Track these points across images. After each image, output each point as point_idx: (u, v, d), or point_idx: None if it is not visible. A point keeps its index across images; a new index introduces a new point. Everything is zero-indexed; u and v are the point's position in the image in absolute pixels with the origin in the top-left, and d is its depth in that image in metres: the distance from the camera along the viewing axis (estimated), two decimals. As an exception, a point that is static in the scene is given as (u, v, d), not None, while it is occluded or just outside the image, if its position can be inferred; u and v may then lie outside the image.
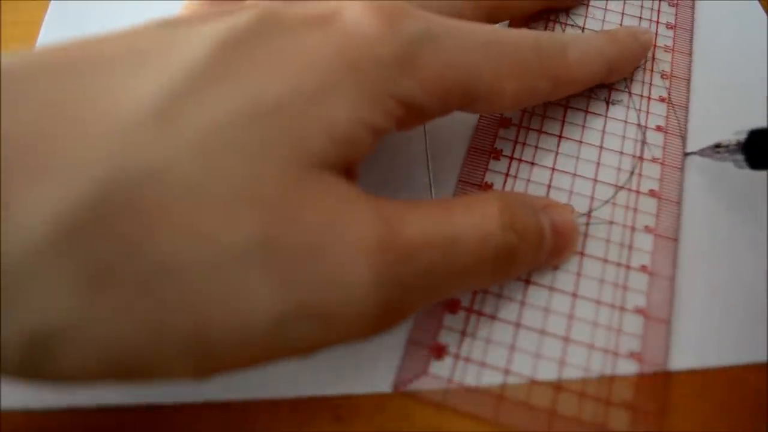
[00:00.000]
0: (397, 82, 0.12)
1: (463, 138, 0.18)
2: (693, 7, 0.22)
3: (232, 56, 0.11)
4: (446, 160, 0.18)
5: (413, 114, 0.13)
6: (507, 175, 0.18)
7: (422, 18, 0.13)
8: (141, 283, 0.10)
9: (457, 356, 0.15)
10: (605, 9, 0.21)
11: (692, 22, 0.21)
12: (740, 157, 0.16)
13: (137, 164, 0.10)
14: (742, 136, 0.16)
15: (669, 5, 0.22)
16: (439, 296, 0.14)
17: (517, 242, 0.13)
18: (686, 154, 0.18)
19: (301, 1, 0.13)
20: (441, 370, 0.15)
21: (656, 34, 0.21)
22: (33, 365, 0.10)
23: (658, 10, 0.21)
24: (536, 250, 0.15)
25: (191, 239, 0.10)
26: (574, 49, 0.16)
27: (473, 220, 0.13)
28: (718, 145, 0.17)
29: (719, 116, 0.19)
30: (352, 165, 0.12)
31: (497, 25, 0.15)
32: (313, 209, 0.11)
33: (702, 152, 0.18)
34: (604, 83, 0.19)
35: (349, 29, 0.12)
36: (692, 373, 0.15)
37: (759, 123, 0.17)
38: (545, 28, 0.21)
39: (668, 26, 0.21)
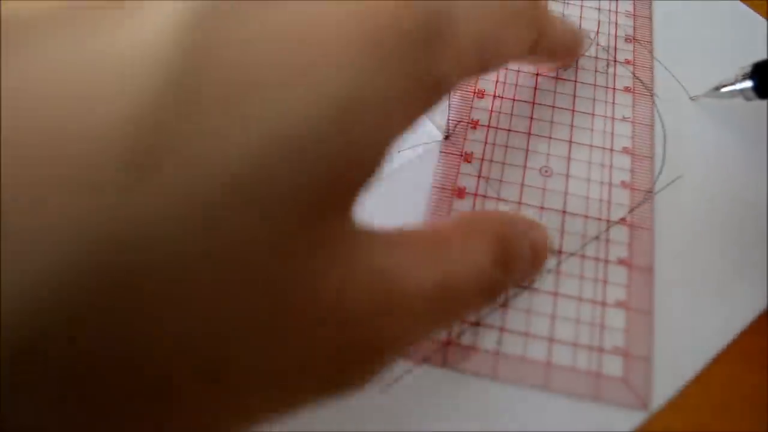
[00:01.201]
0: (428, 58, 0.10)
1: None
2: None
3: (216, 42, 0.08)
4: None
5: (440, 92, 0.11)
6: (485, 143, 0.18)
7: None
8: (131, 371, 0.08)
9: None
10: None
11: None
12: (749, 88, 0.17)
13: (114, 229, 0.07)
14: (747, 69, 0.17)
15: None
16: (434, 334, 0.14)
17: (503, 277, 0.13)
18: (691, 98, 0.19)
19: None
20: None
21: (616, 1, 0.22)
22: None
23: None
24: (515, 276, 0.15)
25: (187, 313, 0.08)
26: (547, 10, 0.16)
27: (468, 262, 0.13)
28: (722, 85, 0.18)
29: (685, 74, 0.20)
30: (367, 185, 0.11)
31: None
32: (321, 275, 0.09)
33: (708, 94, 0.19)
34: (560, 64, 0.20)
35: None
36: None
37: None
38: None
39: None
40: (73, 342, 0.07)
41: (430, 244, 0.13)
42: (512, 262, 0.14)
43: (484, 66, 0.14)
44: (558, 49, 0.18)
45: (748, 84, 0.17)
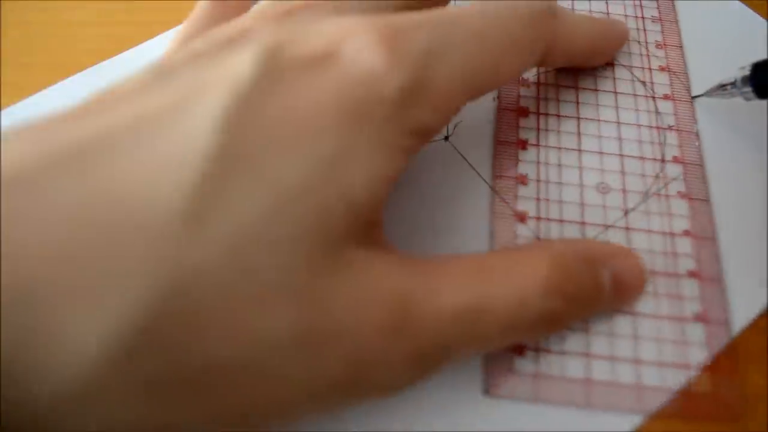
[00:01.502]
0: (408, 114, 0.12)
1: (486, 131, 0.19)
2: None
3: (241, 127, 0.11)
4: (475, 153, 0.18)
5: (426, 137, 0.13)
6: (538, 163, 0.18)
7: (419, 32, 0.13)
8: (193, 384, 0.10)
9: (536, 349, 0.15)
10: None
11: (670, -10, 0.22)
12: (748, 89, 0.17)
13: (177, 274, 0.10)
14: (746, 71, 0.17)
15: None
16: (466, 356, 0.14)
17: (562, 307, 0.13)
18: (694, 97, 0.19)
19: (300, 27, 0.13)
20: (525, 366, 0.15)
21: (641, 6, 0.22)
22: None
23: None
24: (588, 308, 0.14)
25: (232, 337, 0.10)
26: (563, 20, 0.16)
27: (511, 288, 0.13)
28: (723, 85, 0.18)
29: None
30: (376, 216, 0.13)
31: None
32: (335, 296, 0.11)
33: (709, 93, 0.19)
34: (586, 66, 0.20)
35: (351, 68, 0.12)
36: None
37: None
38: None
39: (650, -3, 0.22)
40: (149, 361, 0.09)
41: (469, 268, 0.13)
42: (577, 291, 0.13)
43: (473, 97, 0.14)
44: (577, 56, 0.18)
45: (748, 85, 0.17)
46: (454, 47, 0.13)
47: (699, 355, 0.15)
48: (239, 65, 0.11)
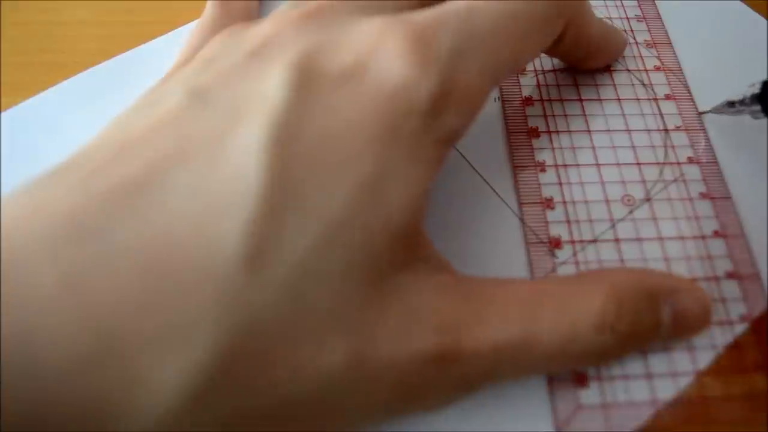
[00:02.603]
0: (439, 124, 0.12)
1: (500, 157, 0.18)
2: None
3: (286, 161, 0.11)
4: (488, 170, 0.18)
5: (455, 141, 0.13)
6: (560, 183, 0.18)
7: (444, 30, 0.13)
8: (264, 420, 0.11)
9: (599, 378, 0.15)
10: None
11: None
12: (757, 107, 0.17)
13: (243, 317, 0.10)
14: (756, 89, 0.18)
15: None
16: (514, 380, 0.14)
17: (613, 343, 0.13)
18: (700, 114, 0.19)
19: (323, 39, 0.13)
20: (591, 397, 0.15)
21: (623, 7, 0.22)
22: None
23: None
24: (642, 344, 0.14)
25: (296, 373, 0.10)
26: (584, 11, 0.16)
27: (562, 322, 0.12)
28: (731, 102, 0.18)
29: (714, 73, 0.20)
30: (417, 231, 0.13)
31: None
32: (384, 324, 0.11)
33: (716, 109, 0.19)
34: (584, 66, 0.20)
35: (383, 83, 0.12)
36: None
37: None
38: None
39: (630, -3, 0.22)
40: (222, 402, 0.10)
41: (519, 298, 0.13)
42: (631, 328, 0.13)
43: (496, 83, 0.14)
44: (587, 46, 0.18)
45: (757, 103, 0.17)
46: (478, 41, 0.13)
47: (753, 355, 0.15)
48: (272, 89, 0.12)
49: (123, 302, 0.10)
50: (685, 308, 0.14)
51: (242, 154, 0.11)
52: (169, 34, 0.21)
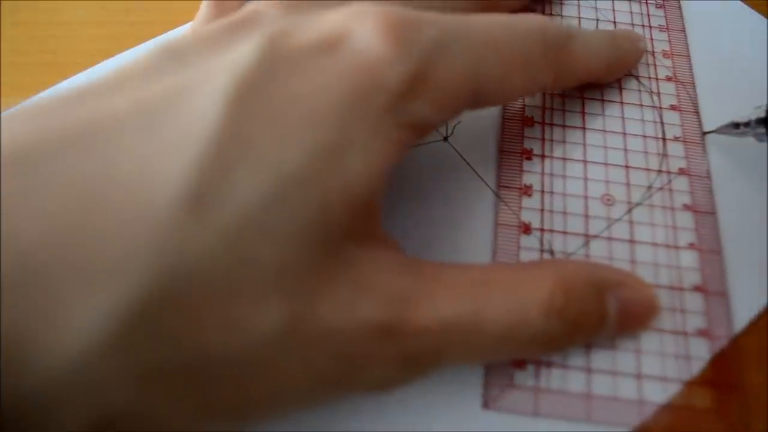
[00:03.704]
0: (407, 107, 0.12)
1: (487, 134, 0.18)
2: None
3: (244, 114, 0.11)
4: (475, 156, 0.18)
5: (423, 132, 0.13)
6: (542, 173, 0.18)
7: (430, 25, 0.13)
8: (185, 372, 0.10)
9: (537, 362, 0.15)
10: (596, 8, 0.22)
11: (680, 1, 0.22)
12: (762, 129, 0.17)
13: (177, 260, 0.10)
14: (761, 112, 0.17)
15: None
16: (460, 364, 0.14)
17: (561, 331, 0.13)
18: (704, 133, 0.19)
19: (304, 17, 0.13)
20: (525, 379, 0.15)
21: (648, 15, 0.22)
22: None
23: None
24: (589, 334, 0.14)
25: (227, 329, 0.10)
26: (578, 43, 0.16)
27: (511, 306, 0.13)
28: (736, 124, 0.18)
29: (725, 90, 0.20)
30: (373, 208, 0.13)
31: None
32: (330, 292, 0.11)
33: (720, 130, 0.18)
34: (598, 82, 0.19)
35: (357, 55, 0.12)
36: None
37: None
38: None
39: (657, 6, 0.22)
40: (145, 348, 0.09)
41: (470, 279, 0.13)
42: (578, 317, 0.13)
43: (476, 103, 0.14)
44: (592, 78, 0.18)
45: (762, 126, 0.17)
46: (462, 48, 0.13)
47: (702, 371, 0.15)
48: (242, 51, 0.12)
49: (52, 231, 0.09)
50: (630, 301, 0.14)
51: (201, 105, 0.11)
52: (167, 34, 0.21)
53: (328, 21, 0.12)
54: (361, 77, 0.12)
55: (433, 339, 0.12)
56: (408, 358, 0.12)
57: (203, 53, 0.12)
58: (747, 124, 0.17)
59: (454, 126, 0.19)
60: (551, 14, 0.21)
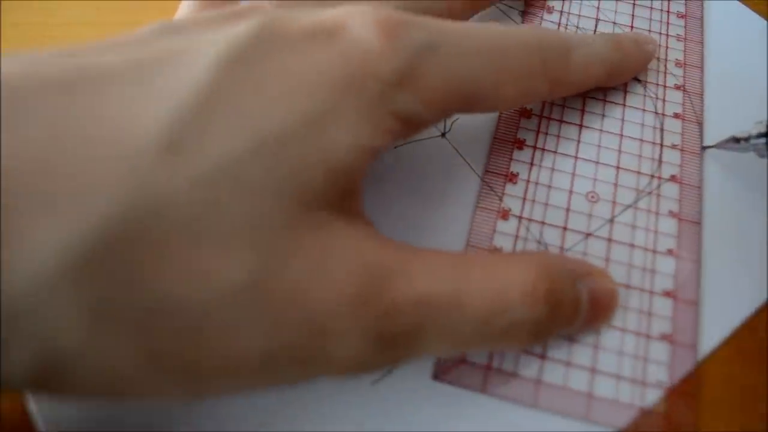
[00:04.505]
0: (397, 98, 0.12)
1: (485, 129, 0.19)
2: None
3: (234, 77, 0.11)
4: (470, 150, 0.18)
5: (412, 127, 0.13)
6: (531, 164, 0.18)
7: (424, 27, 0.13)
8: (140, 316, 0.10)
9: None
10: (615, 11, 0.22)
11: (702, 11, 0.22)
12: (762, 146, 0.17)
13: (145, 198, 0.10)
14: (762, 127, 0.17)
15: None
16: (436, 352, 0.13)
17: (543, 318, 0.13)
18: (704, 148, 0.18)
19: (304, 6, 0.13)
20: (478, 356, 0.15)
21: (668, 23, 0.21)
22: (40, 383, 0.10)
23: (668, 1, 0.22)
24: (566, 323, 0.14)
25: (189, 276, 0.10)
26: (577, 53, 0.16)
27: (490, 288, 0.12)
28: (736, 139, 0.17)
29: (733, 105, 0.20)
30: (353, 185, 0.12)
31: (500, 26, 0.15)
32: (303, 254, 0.11)
33: (720, 145, 0.18)
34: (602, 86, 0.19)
35: (352, 45, 0.12)
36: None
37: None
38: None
39: (679, 15, 0.22)
40: (100, 282, 0.09)
41: (448, 260, 0.13)
42: (559, 303, 0.13)
43: (467, 106, 0.14)
44: (588, 86, 0.18)
45: (763, 141, 0.17)
46: (452, 52, 0.13)
47: (658, 374, 0.15)
48: (240, 27, 0.12)
49: (24, 159, 0.09)
50: (598, 290, 0.15)
51: (193, 66, 0.11)
52: None
53: (324, 14, 0.13)
54: (354, 64, 0.12)
55: (410, 317, 0.11)
56: (382, 336, 0.11)
57: (201, 29, 0.13)
58: (747, 139, 0.17)
59: (452, 122, 0.19)
60: (566, 23, 0.21)
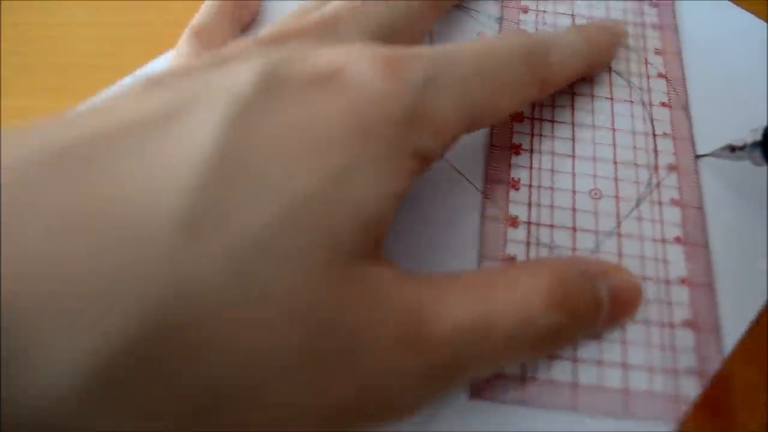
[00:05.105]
0: (413, 138, 0.12)
1: (477, 139, 0.19)
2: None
3: (244, 136, 0.10)
4: (467, 162, 0.18)
5: (428, 162, 0.13)
6: (531, 168, 0.18)
7: (419, 59, 0.13)
8: (191, 410, 0.09)
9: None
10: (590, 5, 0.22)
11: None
12: (757, 154, 0.16)
13: (173, 291, 0.09)
14: (757, 135, 0.17)
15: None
16: (476, 373, 0.13)
17: (565, 322, 0.13)
18: (697, 157, 0.19)
19: (298, 51, 0.13)
20: (511, 368, 0.15)
21: (642, 12, 0.22)
22: None
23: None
24: (589, 324, 0.14)
25: (234, 360, 0.09)
26: (554, 51, 0.16)
27: (516, 303, 0.13)
28: (732, 147, 0.17)
29: (716, 88, 0.20)
30: (383, 233, 0.12)
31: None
32: (346, 313, 0.11)
33: (715, 153, 0.18)
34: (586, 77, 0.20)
35: (355, 88, 0.12)
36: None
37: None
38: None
39: (652, 5, 0.22)
40: (140, 386, 0.09)
41: (473, 283, 0.13)
42: (577, 305, 0.13)
43: (471, 127, 0.14)
44: (571, 79, 0.18)
45: (758, 149, 0.16)
46: (451, 80, 0.13)
47: (687, 360, 0.15)
48: (239, 76, 0.11)
49: (32, 266, 0.08)
50: (618, 286, 0.15)
51: (196, 127, 0.10)
52: (145, 67, 0.20)
53: (322, 56, 0.12)
54: (365, 110, 0.12)
55: (453, 346, 0.12)
56: (431, 372, 0.11)
57: (190, 79, 0.12)
58: (743, 148, 0.17)
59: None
60: (543, 22, 0.22)
